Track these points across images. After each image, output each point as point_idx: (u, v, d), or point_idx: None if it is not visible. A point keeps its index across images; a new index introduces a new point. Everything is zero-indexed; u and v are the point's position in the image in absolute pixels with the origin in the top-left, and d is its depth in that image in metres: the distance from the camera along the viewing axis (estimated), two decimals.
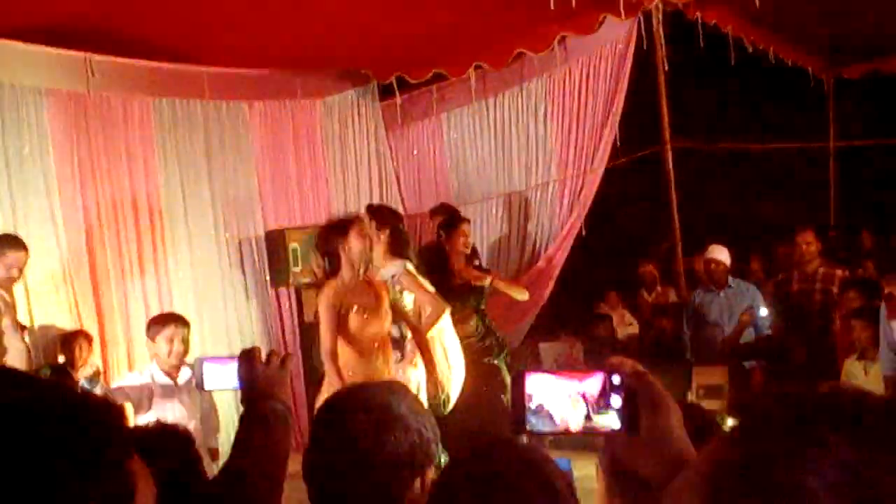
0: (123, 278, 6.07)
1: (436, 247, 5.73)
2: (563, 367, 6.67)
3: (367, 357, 4.19)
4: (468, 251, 5.65)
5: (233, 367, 1.92)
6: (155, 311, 5.90)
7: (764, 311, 6.05)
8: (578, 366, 6.80)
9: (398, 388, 1.65)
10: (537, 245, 7.14)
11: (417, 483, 1.54)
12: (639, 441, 1.11)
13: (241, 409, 1.88)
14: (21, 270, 4.69)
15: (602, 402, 1.16)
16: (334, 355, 4.11)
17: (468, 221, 5.82)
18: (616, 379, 1.14)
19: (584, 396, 1.17)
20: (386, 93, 7.47)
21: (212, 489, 1.81)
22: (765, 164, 9.12)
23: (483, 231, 7.28)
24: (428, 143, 7.63)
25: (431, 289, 4.83)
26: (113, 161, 6.10)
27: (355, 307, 4.17)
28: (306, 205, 7.18)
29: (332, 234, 4.30)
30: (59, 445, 0.88)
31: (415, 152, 7.65)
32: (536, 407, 1.17)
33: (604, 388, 1.16)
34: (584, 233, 6.95)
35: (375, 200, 7.34)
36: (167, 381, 4.17)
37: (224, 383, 1.97)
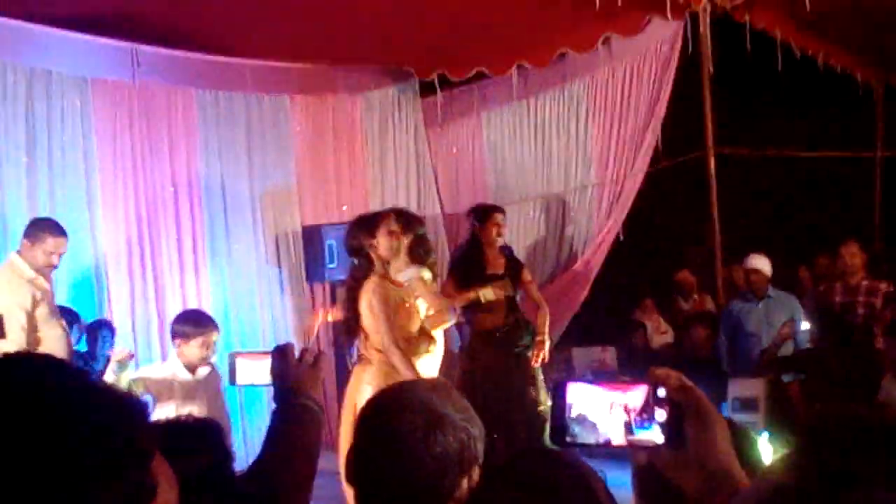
0: (160, 270, 6.12)
1: (470, 237, 5.70)
2: (597, 373, 6.61)
3: (413, 353, 4.15)
4: (502, 240, 5.56)
5: (265, 363, 1.91)
6: (191, 304, 5.95)
7: (805, 325, 5.92)
8: (612, 372, 6.74)
9: (443, 387, 1.62)
10: (574, 248, 7.08)
11: (465, 482, 1.52)
12: (683, 456, 1.07)
13: (273, 405, 1.87)
14: (60, 257, 4.71)
15: (645, 415, 1.12)
16: (398, 347, 4.04)
17: (503, 212, 5.70)
18: (661, 392, 1.10)
19: (626, 408, 1.13)
20: (427, 90, 7.45)
21: (242, 486, 1.80)
22: (810, 173, 8.95)
23: (520, 233, 7.22)
24: (467, 142, 7.59)
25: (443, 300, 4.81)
26: (155, 151, 6.17)
27: (404, 302, 4.15)
28: (344, 201, 7.17)
29: (360, 232, 4.27)
30: (80, 441, 0.86)
31: (454, 151, 7.61)
32: (577, 417, 1.14)
33: (647, 400, 1.12)
34: (622, 237, 6.88)
35: (413, 198, 7.35)
36: (188, 376, 4.18)
37: (256, 379, 1.96)
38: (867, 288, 5.97)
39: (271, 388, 1.90)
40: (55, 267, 4.75)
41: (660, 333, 7.64)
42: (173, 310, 5.89)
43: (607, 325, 7.42)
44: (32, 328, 4.50)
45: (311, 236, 6.69)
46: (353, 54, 6.87)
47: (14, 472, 0.83)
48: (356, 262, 4.28)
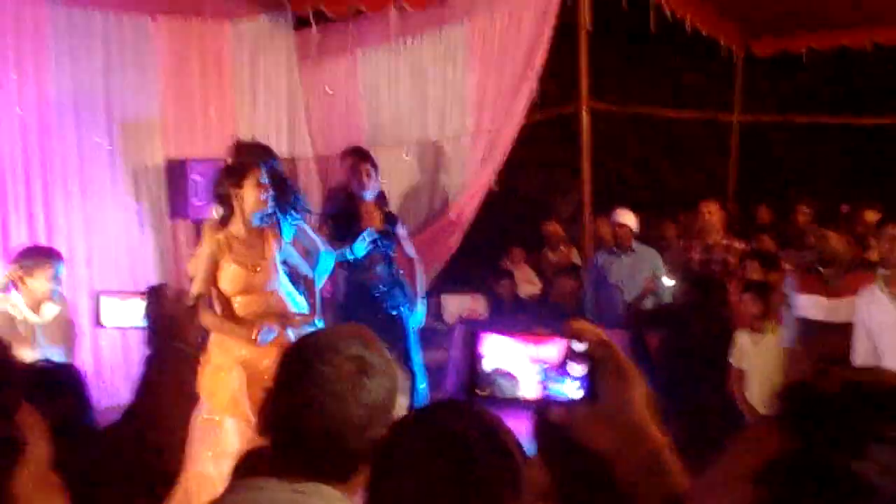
0: (4, 202, 5.63)
1: (345, 187, 5.57)
2: (467, 321, 6.67)
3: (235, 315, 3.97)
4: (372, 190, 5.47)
5: (134, 304, 1.77)
6: (42, 240, 5.53)
7: (668, 281, 6.17)
8: (479, 319, 6.81)
9: (367, 334, 1.54)
10: (448, 196, 7.04)
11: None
12: (598, 412, 1.04)
13: (145, 349, 1.73)
14: None
15: (560, 369, 1.07)
16: (205, 302, 3.86)
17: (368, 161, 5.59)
18: (577, 346, 1.06)
19: (540, 361, 1.08)
20: (301, 22, 7.14)
21: (113, 431, 1.68)
22: (674, 132, 9.30)
23: (393, 178, 7.11)
24: (342, 81, 7.34)
25: None
26: (2, 69, 5.62)
27: (233, 260, 3.96)
28: (211, 135, 6.79)
29: (227, 181, 4.08)
30: None
31: (328, 90, 7.35)
32: (490, 369, 1.08)
33: (563, 354, 1.08)
34: (495, 188, 6.90)
35: (284, 137, 7.09)
36: (33, 316, 3.88)
37: (124, 320, 1.82)
38: (724, 246, 6.27)
39: (141, 331, 1.75)
40: None
41: (527, 283, 7.79)
42: (21, 245, 5.47)
43: (476, 274, 7.48)
44: None
45: (175, 170, 6.33)
46: None
47: None
48: (220, 210, 4.10)
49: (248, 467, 1.48)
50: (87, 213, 6.05)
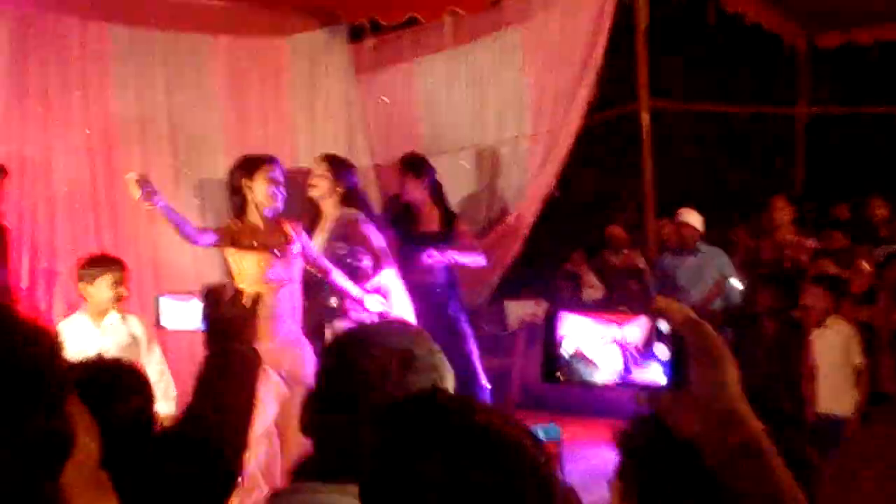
0: (74, 215, 5.77)
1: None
2: (530, 325, 6.58)
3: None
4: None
5: (193, 306, 1.75)
6: (110, 251, 5.64)
7: (736, 283, 5.99)
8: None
9: (412, 327, 1.50)
10: (507, 201, 6.98)
11: None
12: (687, 397, 0.96)
13: (204, 351, 1.70)
14: None
15: (645, 352, 1.01)
16: None
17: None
18: (663, 326, 0.98)
19: (623, 343, 1.02)
20: (357, 35, 7.18)
21: (171, 435, 1.65)
22: (738, 129, 9.09)
23: (452, 184, 7.08)
24: (399, 90, 7.35)
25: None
26: (66, 92, 5.76)
27: (250, 248, 4.02)
28: (269, 148, 6.84)
29: (239, 171, 4.16)
30: None
31: (385, 99, 7.37)
32: (570, 352, 1.01)
33: (647, 335, 1.01)
34: (556, 192, 6.81)
35: (343, 148, 7.09)
36: (93, 327, 3.93)
37: (183, 322, 1.80)
38: (795, 244, 6.07)
39: (202, 333, 1.73)
40: None
41: (590, 288, 7.66)
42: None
43: (539, 279, 7.39)
44: None
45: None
46: None
47: None
48: (233, 201, 4.17)
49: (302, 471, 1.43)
50: (153, 228, 6.16)
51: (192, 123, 6.46)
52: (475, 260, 5.46)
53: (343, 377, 1.38)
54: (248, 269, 3.96)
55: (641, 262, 7.47)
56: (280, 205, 4.10)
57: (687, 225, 6.36)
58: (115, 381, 1.66)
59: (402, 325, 1.50)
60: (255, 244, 4.00)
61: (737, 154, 9.66)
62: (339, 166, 5.11)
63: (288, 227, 4.16)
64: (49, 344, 0.80)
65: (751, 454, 0.94)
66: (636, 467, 1.26)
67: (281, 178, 4.06)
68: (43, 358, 0.78)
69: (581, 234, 8.50)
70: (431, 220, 5.38)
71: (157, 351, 4.22)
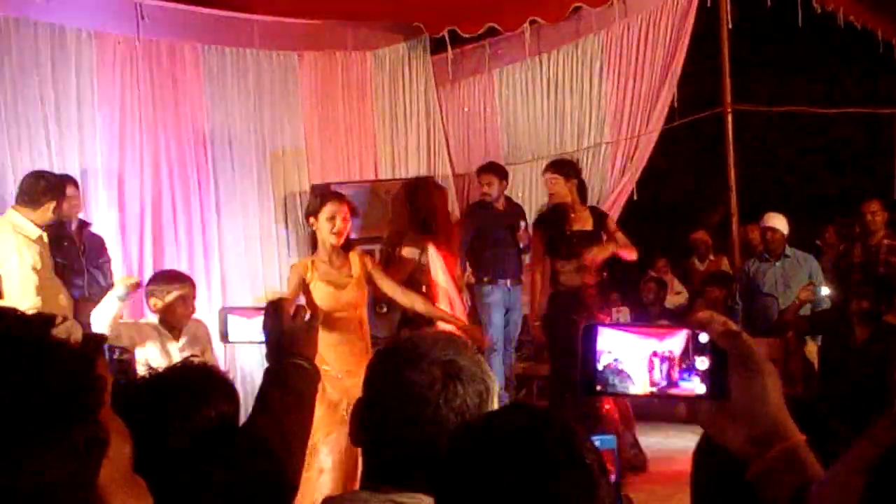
0: (167, 230, 6.04)
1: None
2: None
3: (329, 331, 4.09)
4: (555, 198, 5.43)
5: (258, 320, 1.82)
6: (197, 264, 5.90)
7: (825, 290, 5.79)
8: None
9: (457, 339, 1.51)
10: None
11: None
12: (729, 409, 0.98)
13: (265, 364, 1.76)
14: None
15: (685, 364, 1.03)
16: None
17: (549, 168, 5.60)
18: (703, 338, 1.01)
19: (663, 356, 1.05)
20: (438, 47, 7.30)
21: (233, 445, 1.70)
22: (828, 131, 8.78)
23: (532, 193, 7.11)
24: (478, 100, 7.45)
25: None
26: (160, 109, 6.06)
27: (320, 279, 4.12)
28: (353, 160, 7.08)
29: (308, 208, 4.28)
30: (15, 389, 0.79)
31: (465, 109, 7.47)
32: (609, 365, 1.05)
33: (686, 347, 1.04)
34: (635, 197, 6.76)
35: (423, 158, 7.24)
36: (170, 339, 4.09)
37: (248, 336, 1.87)
38: (888, 247, 5.85)
39: (264, 347, 1.80)
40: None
41: (674, 294, 7.56)
42: (181, 267, 5.86)
43: (621, 286, 7.32)
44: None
45: None
46: (363, 10, 6.72)
47: None
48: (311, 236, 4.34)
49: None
50: (241, 239, 6.40)
51: (279, 138, 6.69)
52: (631, 254, 5.48)
53: (390, 388, 1.41)
54: (322, 296, 4.09)
55: (727, 268, 7.32)
56: (341, 240, 4.17)
57: (773, 229, 6.19)
58: (204, 386, 1.70)
59: (448, 336, 1.53)
60: (321, 279, 4.12)
61: (832, 157, 9.36)
62: None
63: (355, 260, 4.25)
64: (84, 361, 0.87)
65: (791, 465, 0.95)
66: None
67: (344, 214, 4.14)
68: (81, 371, 0.86)
69: (666, 240, 8.38)
70: (583, 220, 5.38)
71: (213, 357, 4.31)
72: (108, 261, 5.28)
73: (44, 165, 5.19)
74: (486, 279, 5.94)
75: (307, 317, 1.76)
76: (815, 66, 8.66)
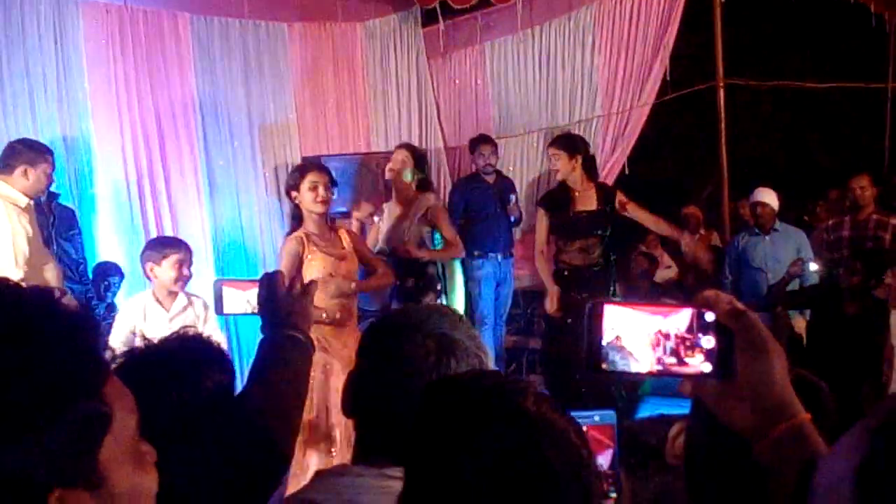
0: (156, 201, 6.01)
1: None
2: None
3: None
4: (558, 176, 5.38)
5: (253, 292, 1.81)
6: (191, 235, 5.87)
7: (813, 265, 5.80)
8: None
9: (448, 311, 1.48)
10: None
11: None
12: (733, 387, 0.99)
13: (261, 335, 1.74)
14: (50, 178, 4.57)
15: (690, 342, 1.03)
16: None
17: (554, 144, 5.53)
18: (709, 316, 1.01)
19: (668, 335, 1.04)
20: (429, 19, 7.24)
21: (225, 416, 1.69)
22: (819, 106, 8.78)
23: (523, 166, 7.10)
24: (470, 72, 7.40)
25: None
26: (149, 78, 6.00)
27: (318, 251, 4.08)
28: (345, 132, 7.04)
29: (288, 182, 4.24)
30: (19, 364, 0.78)
31: (456, 81, 7.42)
32: (614, 343, 1.05)
33: (691, 325, 1.04)
34: (626, 171, 6.75)
35: (415, 130, 7.20)
36: (159, 309, 4.08)
37: (243, 308, 1.86)
38: (876, 222, 5.88)
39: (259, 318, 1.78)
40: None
41: (664, 268, 7.58)
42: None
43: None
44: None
45: None
46: None
47: None
48: (292, 212, 4.26)
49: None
50: (232, 210, 6.38)
51: (270, 109, 6.64)
52: (658, 224, 5.51)
53: (383, 360, 1.39)
54: (321, 272, 4.05)
55: (717, 243, 7.35)
56: (326, 209, 4.14)
57: (763, 204, 6.19)
58: (200, 356, 1.69)
59: (443, 309, 1.51)
60: (315, 251, 4.08)
61: (823, 132, 9.37)
62: (418, 155, 5.19)
63: (343, 234, 4.24)
64: (89, 332, 0.87)
65: (795, 442, 0.95)
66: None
67: (325, 182, 4.10)
68: (84, 346, 0.85)
69: (657, 214, 8.38)
70: (587, 199, 5.33)
71: (213, 326, 4.31)
72: (79, 233, 5.21)
73: (29, 135, 5.13)
74: (476, 252, 5.94)
75: (301, 288, 1.74)
76: (808, 41, 8.64)
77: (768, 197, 6.25)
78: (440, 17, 7.09)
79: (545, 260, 5.47)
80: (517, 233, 6.51)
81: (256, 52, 6.56)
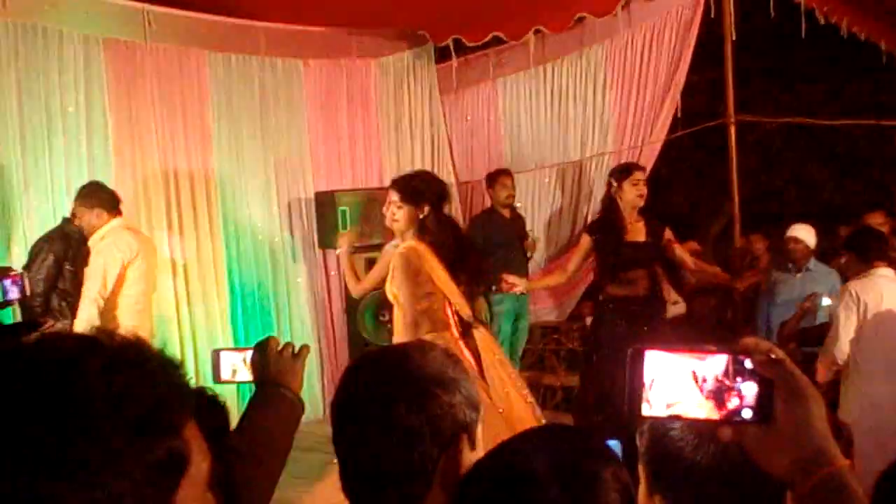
0: (172, 233, 6.05)
1: (606, 199, 5.40)
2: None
3: None
4: (642, 203, 5.27)
5: (248, 354, 1.85)
6: (205, 268, 5.91)
7: (827, 301, 5.73)
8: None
9: (416, 349, 1.46)
10: (590, 217, 6.97)
11: (446, 456, 1.34)
12: (774, 433, 0.99)
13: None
14: None
15: (727, 387, 1.04)
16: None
17: (643, 169, 5.48)
18: (748, 363, 1.02)
19: (707, 380, 1.05)
20: (442, 56, 7.32)
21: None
22: (830, 144, 8.81)
23: (535, 202, 7.13)
24: (482, 108, 7.47)
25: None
26: (168, 114, 6.07)
27: None
28: (357, 167, 7.09)
29: (422, 193, 4.22)
30: (106, 404, 0.78)
31: (468, 118, 7.50)
32: (654, 387, 1.05)
33: (727, 370, 1.04)
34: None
35: (427, 166, 7.24)
36: None
37: (239, 376, 1.90)
38: (892, 259, 5.83)
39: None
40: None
41: (671, 304, 7.54)
42: (190, 275, 5.90)
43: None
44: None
45: (324, 202, 6.61)
46: (368, 18, 6.74)
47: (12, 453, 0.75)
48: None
49: None
50: (246, 244, 6.42)
51: (284, 144, 6.70)
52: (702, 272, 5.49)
53: (375, 395, 1.36)
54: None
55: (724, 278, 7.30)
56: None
57: (796, 240, 6.09)
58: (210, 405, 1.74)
59: (434, 346, 1.51)
60: None
61: (833, 168, 9.39)
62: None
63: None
64: (177, 369, 0.88)
65: (833, 490, 0.96)
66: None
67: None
68: (170, 387, 0.85)
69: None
70: (637, 231, 5.33)
71: None
72: None
73: (48, 173, 5.22)
74: (495, 287, 5.94)
75: (292, 352, 1.79)
76: (819, 78, 8.69)
77: (803, 233, 6.10)
78: (453, 54, 7.17)
79: (564, 277, 5.45)
80: (532, 268, 6.54)
81: (272, 88, 6.64)
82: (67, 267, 4.84)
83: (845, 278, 5.32)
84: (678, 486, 1.32)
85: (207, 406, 1.84)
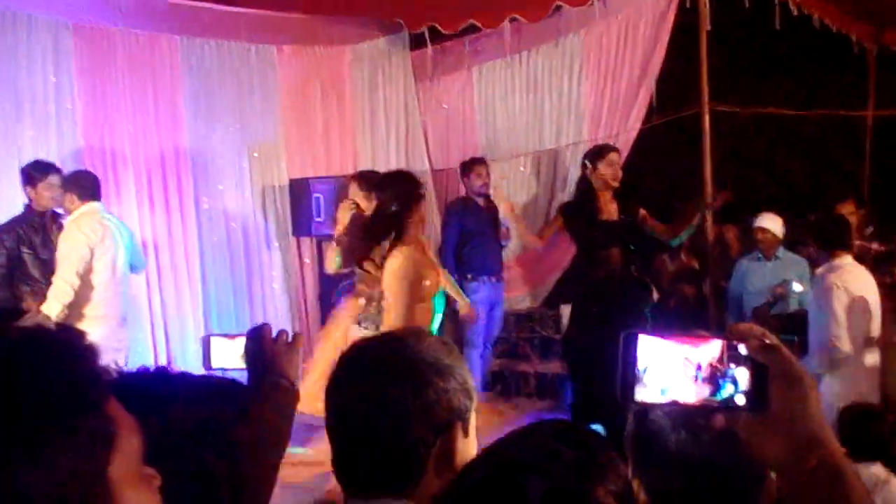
0: (144, 220, 5.98)
1: (581, 180, 5.49)
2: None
3: None
4: (616, 184, 5.36)
5: (240, 344, 1.82)
6: (177, 255, 5.85)
7: (798, 287, 5.81)
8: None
9: (411, 335, 1.44)
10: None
11: (440, 442, 1.34)
12: (768, 420, 0.99)
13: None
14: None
15: (720, 373, 1.04)
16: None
17: (617, 151, 5.57)
18: (742, 349, 1.01)
19: (700, 365, 1.05)
20: (417, 43, 7.28)
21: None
22: (802, 132, 8.90)
23: (510, 189, 7.13)
24: (457, 96, 7.44)
25: None
26: (139, 99, 5.99)
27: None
28: (332, 154, 7.05)
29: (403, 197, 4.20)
30: (28, 386, 0.81)
31: (444, 105, 7.46)
32: (647, 373, 1.05)
33: (721, 356, 1.04)
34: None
35: (402, 154, 7.23)
36: None
37: (231, 362, 1.87)
38: (859, 248, 5.92)
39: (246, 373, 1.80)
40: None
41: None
42: (161, 261, 5.82)
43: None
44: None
45: (299, 189, 6.56)
46: (343, 5, 6.68)
47: None
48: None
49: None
50: (220, 231, 6.36)
51: (258, 131, 6.64)
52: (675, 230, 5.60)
53: (371, 381, 1.36)
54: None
55: (696, 266, 7.37)
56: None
57: (764, 230, 6.17)
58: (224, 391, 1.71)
59: (429, 333, 1.50)
60: None
61: (803, 158, 9.48)
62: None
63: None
64: (88, 355, 0.89)
65: (828, 475, 0.96)
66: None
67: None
68: (84, 368, 0.87)
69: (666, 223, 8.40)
70: (611, 212, 5.37)
71: None
72: None
73: (19, 158, 5.14)
74: (470, 276, 5.94)
75: (287, 339, 1.77)
76: (792, 69, 8.76)
77: (771, 223, 6.19)
78: (428, 42, 7.13)
79: (533, 238, 5.71)
80: (506, 256, 6.54)
81: (246, 74, 6.58)
82: (25, 251, 4.85)
83: (815, 266, 5.38)
84: (650, 469, 1.33)
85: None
